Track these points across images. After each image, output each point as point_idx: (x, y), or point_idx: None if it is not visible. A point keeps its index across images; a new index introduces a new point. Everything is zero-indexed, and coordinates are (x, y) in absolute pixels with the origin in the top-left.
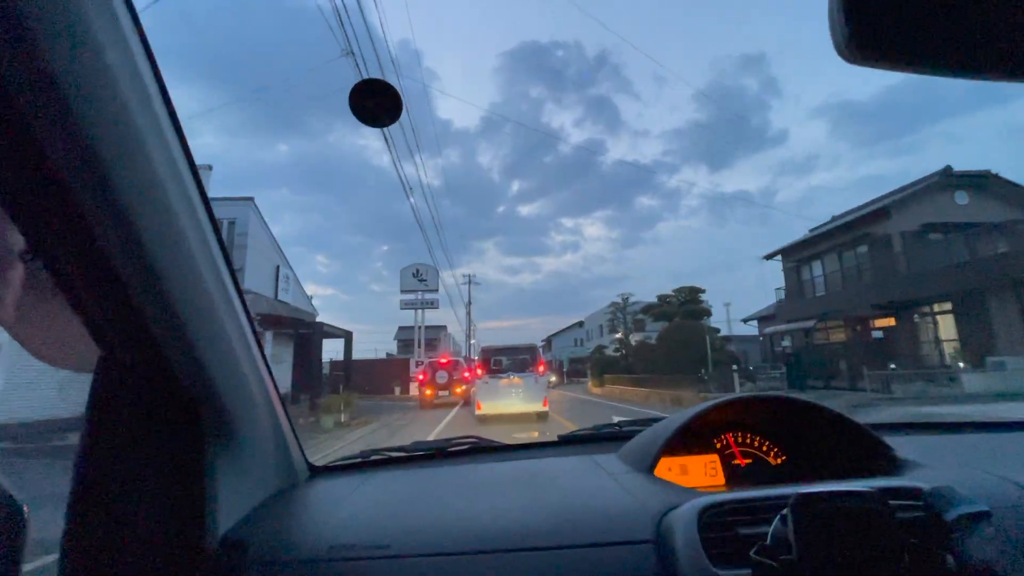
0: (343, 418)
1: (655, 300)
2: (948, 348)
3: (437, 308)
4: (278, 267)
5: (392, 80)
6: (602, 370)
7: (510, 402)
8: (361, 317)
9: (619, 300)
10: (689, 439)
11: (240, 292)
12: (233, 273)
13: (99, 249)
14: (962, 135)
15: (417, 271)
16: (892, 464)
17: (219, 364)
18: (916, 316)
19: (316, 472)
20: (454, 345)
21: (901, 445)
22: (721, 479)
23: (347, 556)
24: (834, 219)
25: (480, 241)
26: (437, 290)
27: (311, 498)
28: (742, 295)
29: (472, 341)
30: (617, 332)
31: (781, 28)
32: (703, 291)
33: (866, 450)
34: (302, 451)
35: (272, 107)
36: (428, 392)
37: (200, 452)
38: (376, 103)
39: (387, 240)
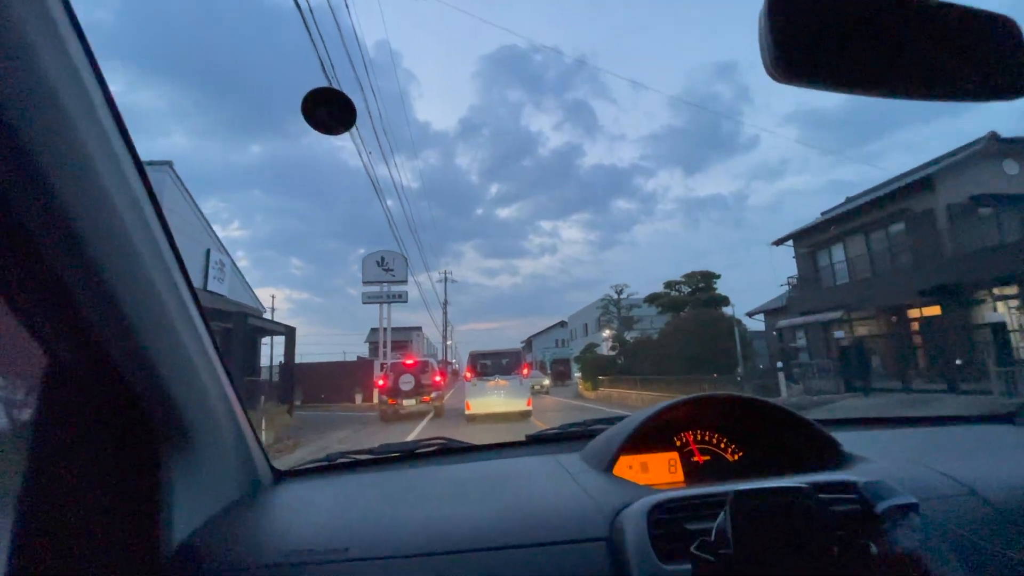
0: (266, 439)
1: (655, 292)
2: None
3: (405, 301)
4: (208, 251)
5: (369, 81)
6: (595, 371)
7: (497, 401)
8: (336, 321)
9: (612, 293)
10: (649, 437)
11: (193, 291)
12: (185, 271)
13: (39, 251)
14: (919, 144)
15: (382, 259)
16: (839, 458)
17: (170, 366)
18: (981, 301)
19: (280, 477)
20: (430, 348)
21: (851, 440)
22: (680, 476)
23: (305, 560)
24: (849, 200)
25: (459, 243)
26: (406, 281)
27: (274, 504)
28: (734, 293)
29: (449, 343)
30: (609, 329)
31: (753, 37)
32: (717, 277)
33: (816, 445)
34: (266, 456)
35: (245, 108)
36: (390, 401)
37: (153, 458)
38: (329, 112)
39: (364, 243)
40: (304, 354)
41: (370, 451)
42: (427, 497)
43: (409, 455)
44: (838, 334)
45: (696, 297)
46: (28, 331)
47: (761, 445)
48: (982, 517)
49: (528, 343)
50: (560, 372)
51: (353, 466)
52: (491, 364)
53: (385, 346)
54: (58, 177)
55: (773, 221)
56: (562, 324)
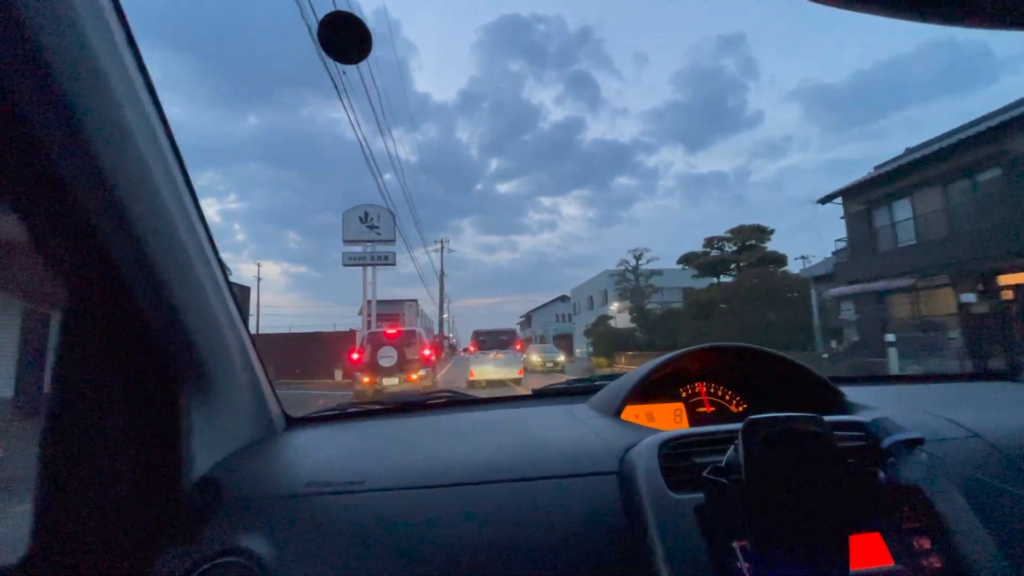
0: None
1: (692, 252)
2: None
3: (392, 264)
4: None
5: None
6: (609, 346)
7: (495, 369)
8: (335, 295)
9: (629, 258)
10: (655, 388)
11: (212, 239)
12: (203, 218)
13: (64, 188)
14: (923, 121)
15: (366, 215)
16: (845, 408)
17: (190, 309)
18: None
19: (293, 423)
20: (425, 321)
21: (856, 394)
22: (686, 425)
23: (322, 491)
24: (913, 150)
25: (458, 219)
26: (393, 240)
27: (289, 444)
28: None
29: (445, 316)
30: (618, 301)
31: (761, 6)
32: (770, 232)
33: (822, 397)
34: (279, 402)
35: (242, 77)
36: (366, 380)
37: (173, 397)
38: (345, 38)
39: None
40: (299, 326)
41: (379, 402)
42: (438, 439)
43: (418, 405)
44: (966, 298)
45: (745, 256)
46: (55, 267)
47: (766, 397)
48: (986, 458)
49: (527, 318)
50: (563, 348)
51: (364, 415)
52: (490, 340)
53: (371, 316)
54: (87, 117)
55: (774, 199)
56: (563, 299)
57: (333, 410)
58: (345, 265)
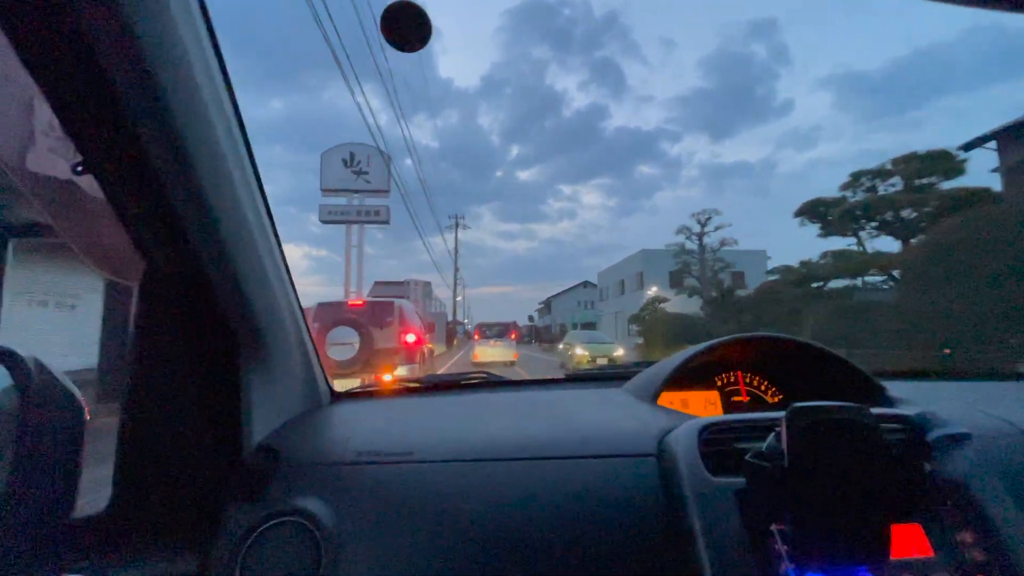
0: None
1: (818, 198)
2: None
3: (387, 222)
4: None
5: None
6: (669, 337)
7: (494, 352)
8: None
9: (692, 225)
10: (691, 376)
11: (272, 218)
12: (265, 198)
13: (146, 163)
14: (967, 111)
15: (351, 156)
16: (887, 402)
17: (254, 287)
18: None
19: (338, 397)
20: (438, 306)
21: (899, 388)
22: (720, 413)
23: (373, 460)
24: None
25: (476, 206)
26: (388, 191)
27: (337, 416)
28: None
29: (458, 299)
30: (681, 277)
31: None
32: (962, 162)
33: (863, 391)
34: (325, 376)
35: (266, 61)
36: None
37: (235, 367)
38: (406, 26)
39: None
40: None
41: (418, 380)
42: (479, 415)
43: (455, 385)
44: None
45: (918, 199)
46: (134, 241)
47: (802, 389)
48: None
49: (547, 304)
50: None
51: (403, 392)
52: (491, 330)
53: (358, 294)
54: (172, 101)
55: (800, 192)
56: (585, 284)
57: (373, 386)
58: (324, 222)
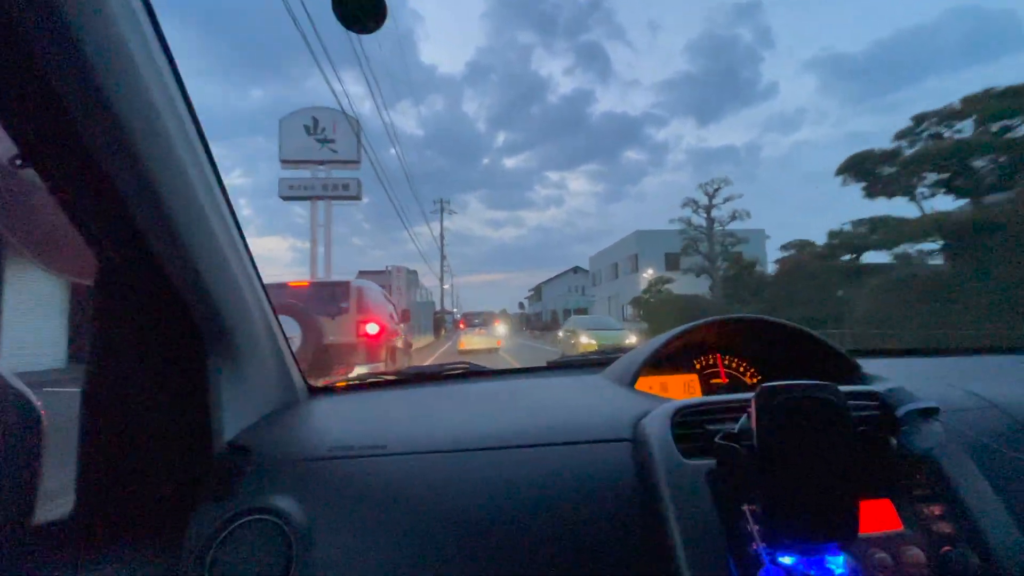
0: None
1: (861, 152)
2: None
3: (358, 198)
4: None
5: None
6: (675, 320)
7: (479, 340)
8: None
9: (699, 197)
10: (669, 360)
11: (232, 210)
12: (224, 189)
13: (91, 155)
14: (948, 92)
15: (314, 122)
16: (861, 380)
17: (216, 278)
18: None
19: (315, 392)
20: (425, 295)
21: (874, 366)
22: (698, 395)
23: (346, 454)
24: None
25: (463, 194)
26: (358, 161)
27: (312, 412)
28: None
29: (446, 287)
30: (687, 256)
31: None
32: None
33: (838, 370)
34: (301, 372)
35: (245, 49)
36: None
37: (202, 367)
38: (359, 4)
39: (368, 192)
40: None
41: (397, 372)
42: (455, 407)
43: (435, 376)
44: None
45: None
46: (85, 237)
47: (781, 369)
48: (1003, 428)
49: (538, 291)
50: None
51: (382, 384)
52: (476, 319)
53: (324, 282)
54: (110, 81)
55: (785, 176)
56: (576, 270)
57: (352, 380)
58: (284, 198)
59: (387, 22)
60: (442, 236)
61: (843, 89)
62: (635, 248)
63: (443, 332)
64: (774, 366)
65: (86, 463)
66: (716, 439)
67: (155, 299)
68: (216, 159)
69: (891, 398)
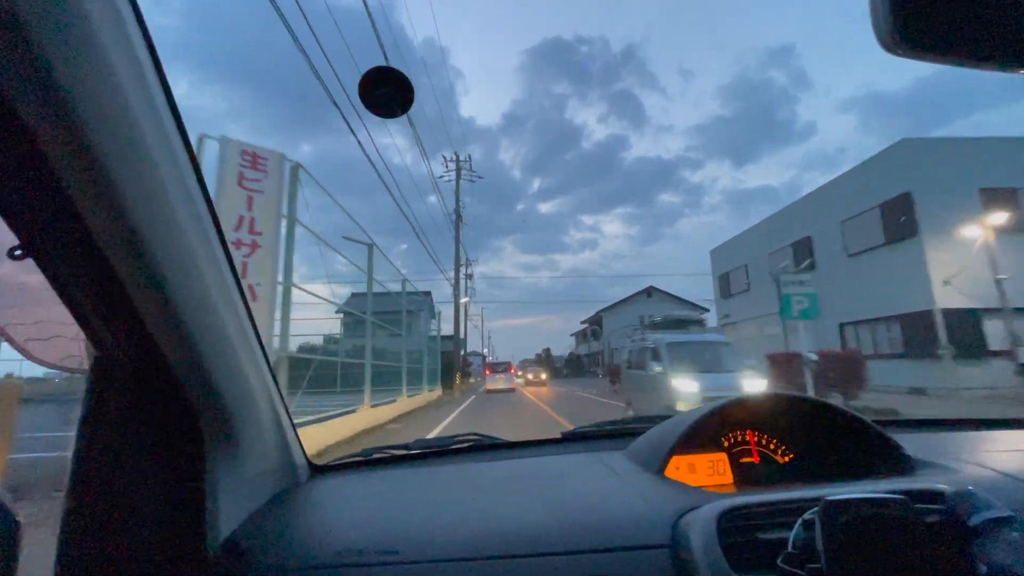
0: None
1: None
2: None
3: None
4: None
5: (420, 78)
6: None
7: (499, 383)
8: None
9: None
10: (697, 437)
11: (238, 280)
12: (231, 261)
13: (94, 245)
14: (996, 128)
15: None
16: (904, 463)
17: (220, 364)
18: None
19: (317, 471)
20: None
21: (913, 442)
22: (729, 478)
23: (355, 562)
24: None
25: (498, 239)
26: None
27: (314, 499)
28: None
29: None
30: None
31: (811, 16)
32: None
33: (876, 449)
34: (302, 449)
35: (297, 108)
36: None
37: (200, 455)
38: (387, 92)
39: (407, 238)
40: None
41: (405, 446)
42: (469, 495)
43: (444, 451)
44: None
45: None
46: (83, 328)
47: (812, 447)
48: None
49: (597, 321)
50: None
51: (388, 461)
52: (497, 367)
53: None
54: (117, 170)
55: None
56: (649, 294)
57: (356, 456)
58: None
59: (437, 80)
60: (458, 216)
61: (885, 126)
62: (808, 229)
63: (459, 381)
64: (803, 442)
65: (66, 569)
66: (778, 562)
67: (152, 388)
68: (222, 227)
69: (960, 502)
